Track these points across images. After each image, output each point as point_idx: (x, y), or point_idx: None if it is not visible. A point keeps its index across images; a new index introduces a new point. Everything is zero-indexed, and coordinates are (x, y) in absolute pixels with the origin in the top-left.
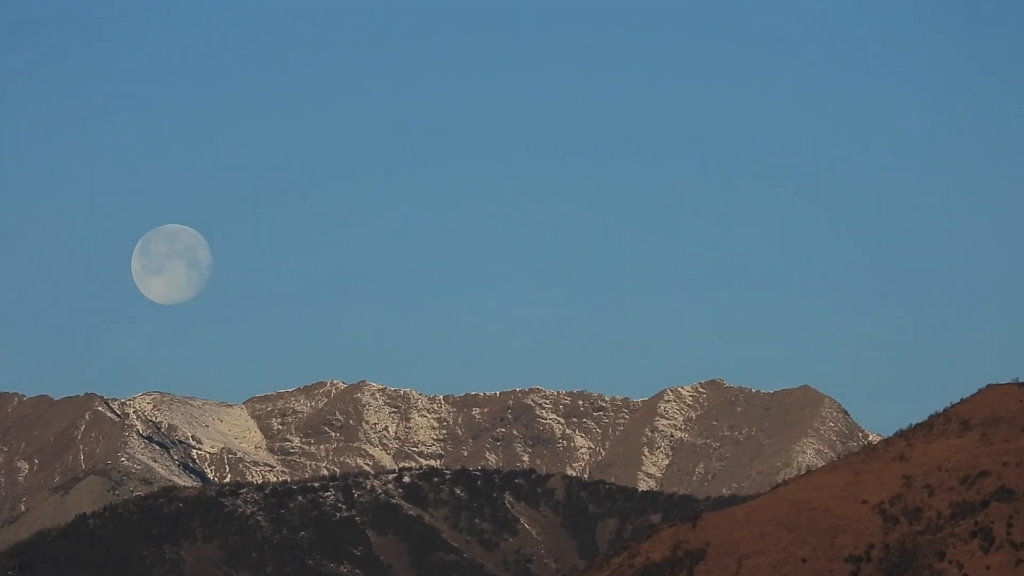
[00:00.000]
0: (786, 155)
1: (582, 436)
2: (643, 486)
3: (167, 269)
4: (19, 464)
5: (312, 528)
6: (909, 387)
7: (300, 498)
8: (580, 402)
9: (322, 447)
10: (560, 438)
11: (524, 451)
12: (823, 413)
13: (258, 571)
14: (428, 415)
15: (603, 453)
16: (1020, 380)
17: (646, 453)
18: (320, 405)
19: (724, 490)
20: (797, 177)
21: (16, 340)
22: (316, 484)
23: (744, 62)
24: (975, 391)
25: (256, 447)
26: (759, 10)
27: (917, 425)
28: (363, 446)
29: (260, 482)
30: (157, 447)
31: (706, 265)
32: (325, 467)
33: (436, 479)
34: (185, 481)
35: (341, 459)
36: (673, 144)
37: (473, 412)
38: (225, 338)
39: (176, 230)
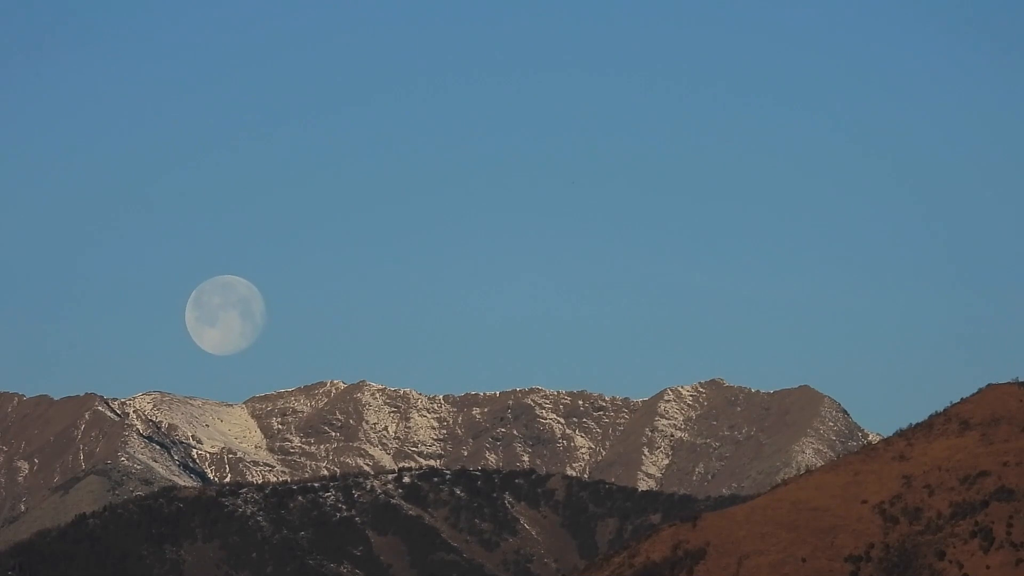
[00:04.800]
0: (785, 155)
1: (582, 436)
2: (643, 486)
3: (221, 320)
4: (19, 464)
5: (312, 528)
6: (909, 387)
7: (300, 498)
8: (580, 402)
9: (322, 447)
10: (560, 438)
11: (524, 451)
12: (823, 413)
13: (258, 571)
14: (428, 415)
15: (603, 453)
16: (1020, 380)
17: (646, 453)
18: (320, 405)
19: (724, 490)
20: (796, 177)
21: (16, 340)
22: (316, 484)
23: (749, 68)
24: (975, 391)
25: (256, 447)
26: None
27: (917, 425)
28: (363, 446)
29: (260, 482)
30: (157, 447)
31: (706, 265)
32: (325, 467)
33: (436, 479)
34: (185, 481)
35: (341, 459)
36: (673, 146)
37: (473, 412)
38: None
39: (231, 281)
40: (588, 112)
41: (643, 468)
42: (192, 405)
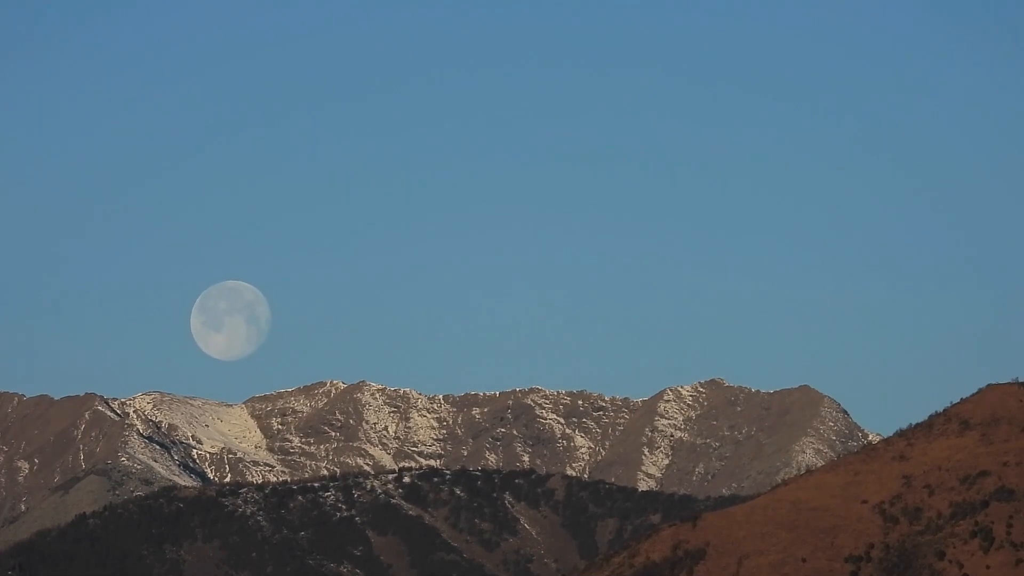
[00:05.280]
0: (786, 156)
1: (582, 436)
2: (643, 486)
3: (227, 325)
4: (19, 464)
5: (312, 528)
6: (909, 387)
7: (300, 498)
8: (580, 402)
9: (322, 447)
10: (560, 438)
11: (524, 451)
12: (823, 413)
13: (258, 571)
14: (428, 415)
15: (603, 453)
16: (1020, 380)
17: (646, 453)
18: (320, 405)
19: (724, 490)
20: (795, 179)
21: (16, 340)
22: (316, 484)
23: (754, 64)
24: (975, 391)
25: (256, 447)
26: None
27: (917, 425)
28: (363, 446)
29: (260, 482)
30: (157, 447)
31: (705, 265)
32: (325, 467)
33: (436, 479)
34: (185, 481)
35: (341, 459)
36: (674, 146)
37: (473, 412)
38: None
39: (236, 286)
40: (589, 112)
41: (643, 468)
42: (192, 405)
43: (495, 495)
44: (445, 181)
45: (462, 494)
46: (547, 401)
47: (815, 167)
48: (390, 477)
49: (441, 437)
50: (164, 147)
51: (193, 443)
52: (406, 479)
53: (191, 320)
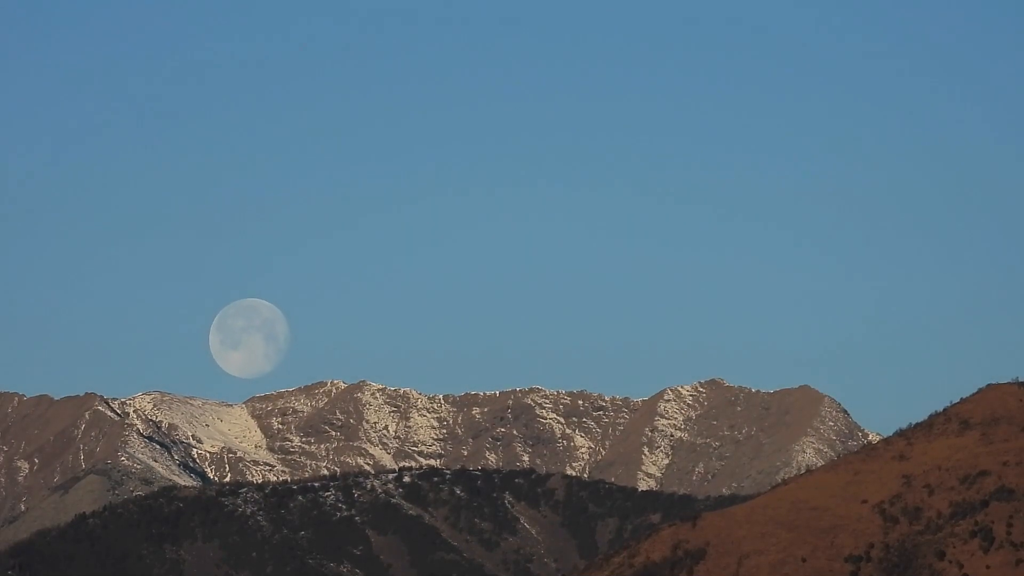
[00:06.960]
0: (785, 154)
1: (582, 436)
2: (643, 486)
3: (245, 343)
4: (19, 464)
5: (312, 528)
6: (909, 387)
7: (300, 498)
8: (580, 402)
9: (322, 447)
10: (560, 438)
11: (524, 451)
12: (823, 412)
13: (258, 571)
14: (428, 415)
15: (603, 453)
16: (1020, 380)
17: (646, 453)
18: (320, 405)
19: (724, 490)
20: (794, 179)
21: (16, 340)
22: (316, 484)
23: (754, 62)
24: (975, 391)
25: (256, 447)
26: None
27: (917, 425)
28: (363, 446)
29: (260, 482)
30: (157, 446)
31: (706, 264)
32: (325, 467)
33: (436, 479)
34: (185, 481)
35: (341, 459)
36: (673, 144)
37: (473, 412)
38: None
39: (254, 304)
40: (588, 111)
41: (643, 468)
42: (192, 405)
43: (495, 495)
44: (444, 180)
45: (462, 494)
46: (547, 401)
47: (814, 167)
48: (390, 477)
49: (441, 437)
50: (164, 150)
51: (193, 443)
52: (406, 479)
53: (209, 338)
